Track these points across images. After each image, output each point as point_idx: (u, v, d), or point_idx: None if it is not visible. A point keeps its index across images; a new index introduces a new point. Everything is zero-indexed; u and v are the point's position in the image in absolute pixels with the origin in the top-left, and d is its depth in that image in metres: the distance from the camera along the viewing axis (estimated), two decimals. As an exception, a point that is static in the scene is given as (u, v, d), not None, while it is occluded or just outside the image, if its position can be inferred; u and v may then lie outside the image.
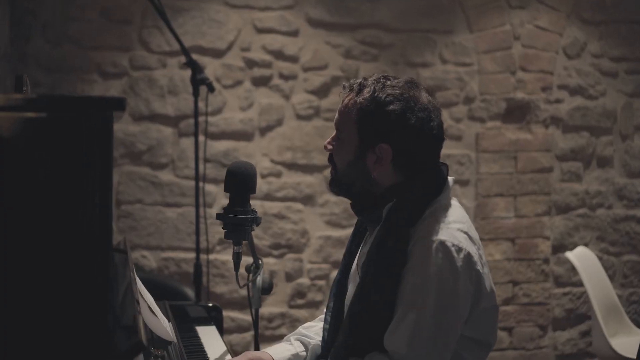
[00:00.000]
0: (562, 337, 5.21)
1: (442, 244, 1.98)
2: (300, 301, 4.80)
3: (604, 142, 5.25)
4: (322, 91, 4.80)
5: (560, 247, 5.15)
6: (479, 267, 2.03)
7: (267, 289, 2.72)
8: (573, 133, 5.18)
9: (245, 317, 4.68)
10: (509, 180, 5.05)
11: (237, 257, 2.36)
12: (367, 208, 2.15)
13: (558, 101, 5.13)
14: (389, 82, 2.08)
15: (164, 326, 2.23)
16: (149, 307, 2.17)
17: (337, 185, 2.18)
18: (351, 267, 2.28)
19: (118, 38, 4.59)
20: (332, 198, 4.79)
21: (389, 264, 2.02)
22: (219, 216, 2.30)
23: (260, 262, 2.61)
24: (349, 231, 4.76)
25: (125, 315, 1.88)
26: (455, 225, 2.04)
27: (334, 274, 4.86)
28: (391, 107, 2.04)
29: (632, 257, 5.33)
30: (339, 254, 4.79)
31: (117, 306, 1.93)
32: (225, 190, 2.30)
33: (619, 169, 5.28)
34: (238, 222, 2.26)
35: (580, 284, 5.09)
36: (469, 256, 2.00)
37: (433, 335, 1.97)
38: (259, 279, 2.55)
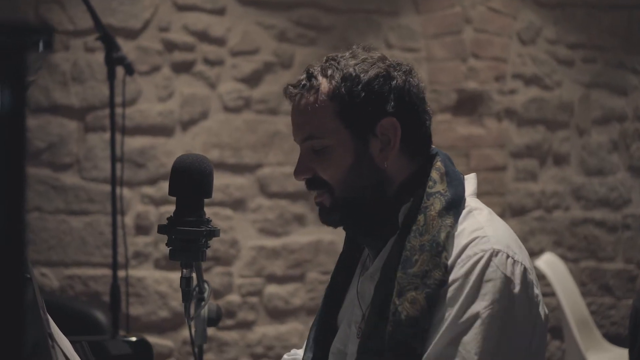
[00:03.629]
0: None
1: (497, 254, 1.50)
2: (229, 322, 4.22)
3: (560, 137, 4.81)
4: (253, 79, 4.25)
5: (515, 254, 4.69)
6: (536, 289, 1.55)
7: (215, 320, 2.23)
8: (528, 127, 4.73)
9: (165, 342, 4.11)
10: (460, 180, 4.56)
11: (186, 284, 1.76)
12: (379, 222, 1.63)
13: (512, 92, 4.67)
14: (341, 58, 1.62)
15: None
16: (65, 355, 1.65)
17: (341, 209, 1.62)
18: (341, 304, 1.74)
19: (9, 14, 3.91)
20: (266, 202, 4.22)
21: (421, 285, 1.49)
22: (162, 229, 1.70)
23: (206, 285, 2.11)
24: (284, 240, 4.22)
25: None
26: (506, 232, 1.57)
27: (268, 289, 4.34)
28: (369, 73, 1.59)
29: (590, 264, 4.91)
30: (273, 267, 4.25)
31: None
32: (171, 193, 1.71)
33: (576, 166, 4.86)
34: (190, 237, 1.67)
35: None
36: (525, 273, 1.52)
37: None
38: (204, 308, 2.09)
